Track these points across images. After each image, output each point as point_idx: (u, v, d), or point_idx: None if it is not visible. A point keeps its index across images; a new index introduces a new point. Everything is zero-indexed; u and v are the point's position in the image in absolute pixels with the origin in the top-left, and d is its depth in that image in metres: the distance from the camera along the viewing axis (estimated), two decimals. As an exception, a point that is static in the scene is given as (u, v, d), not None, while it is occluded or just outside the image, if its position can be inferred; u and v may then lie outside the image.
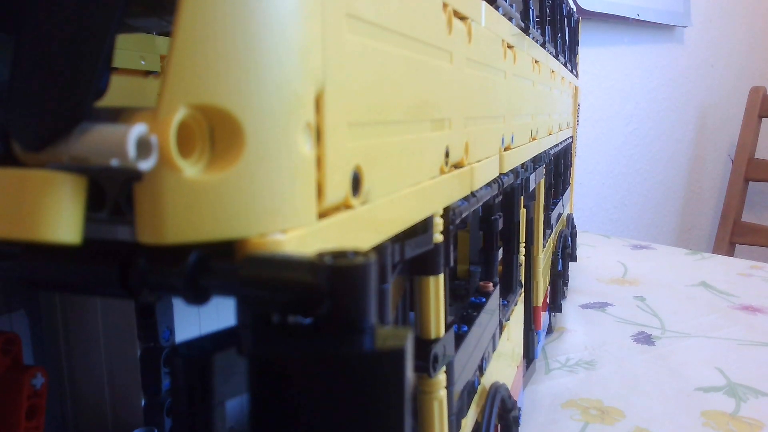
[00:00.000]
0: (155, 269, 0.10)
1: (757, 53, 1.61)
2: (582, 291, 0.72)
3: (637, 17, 1.24)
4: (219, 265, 0.10)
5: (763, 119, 1.38)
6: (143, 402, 0.24)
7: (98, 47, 0.10)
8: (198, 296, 0.10)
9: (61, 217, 0.10)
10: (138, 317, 0.24)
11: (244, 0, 0.10)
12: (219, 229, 0.10)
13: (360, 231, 0.14)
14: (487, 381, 0.28)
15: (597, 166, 1.28)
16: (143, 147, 0.09)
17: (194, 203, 0.10)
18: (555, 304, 0.57)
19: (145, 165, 0.09)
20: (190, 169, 0.10)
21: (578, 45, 0.83)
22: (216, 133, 0.10)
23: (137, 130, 0.09)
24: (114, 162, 0.09)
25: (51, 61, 0.10)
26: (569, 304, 0.66)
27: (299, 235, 0.11)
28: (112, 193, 0.10)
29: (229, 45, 0.10)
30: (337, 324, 0.09)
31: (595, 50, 1.20)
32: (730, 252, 1.33)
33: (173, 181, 0.10)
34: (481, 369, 0.27)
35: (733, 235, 1.35)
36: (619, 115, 1.32)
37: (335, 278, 0.09)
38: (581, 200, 1.20)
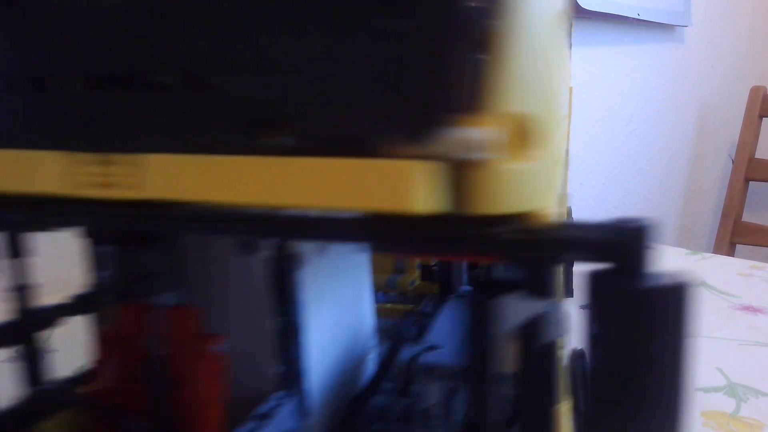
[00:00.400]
0: (487, 233, 0.14)
1: (757, 53, 1.61)
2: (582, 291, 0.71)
3: (638, 17, 1.24)
4: (538, 229, 0.14)
5: (764, 119, 1.38)
6: (279, 370, 0.29)
7: (455, 65, 0.14)
8: (521, 256, 0.14)
9: (426, 194, 0.14)
10: (274, 293, 0.28)
11: (543, 37, 0.15)
12: (523, 203, 0.14)
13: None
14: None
15: (597, 166, 1.28)
16: (484, 143, 0.14)
17: (511, 184, 0.14)
18: (568, 289, 0.58)
19: (485, 156, 0.14)
20: (510, 159, 0.14)
21: (571, 47, 0.84)
22: (526, 133, 0.14)
23: (482, 132, 0.14)
24: (465, 155, 0.14)
25: (436, 71, 0.14)
26: (569, 304, 0.66)
27: (558, 210, 0.16)
28: (451, 176, 0.14)
29: (538, 71, 0.15)
30: (629, 270, 0.14)
31: (595, 50, 1.20)
32: (730, 252, 1.33)
33: (500, 168, 0.14)
34: None
35: (734, 235, 1.35)
36: (619, 115, 1.32)
37: (624, 236, 0.14)
38: (581, 200, 1.19)
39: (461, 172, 0.14)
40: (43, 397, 0.25)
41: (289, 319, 0.28)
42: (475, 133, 0.14)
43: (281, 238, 0.28)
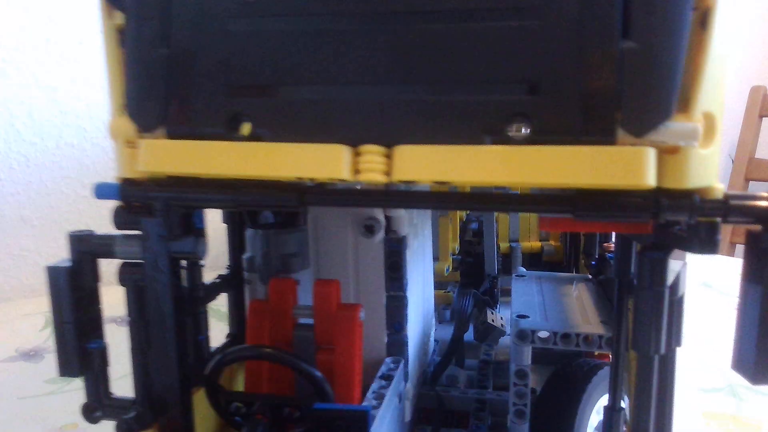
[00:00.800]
0: (681, 202, 0.19)
1: (757, 53, 1.61)
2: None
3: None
4: (715, 199, 0.20)
5: (764, 119, 1.37)
6: (388, 338, 0.34)
7: (677, 74, 0.19)
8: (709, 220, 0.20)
9: (651, 173, 0.19)
10: (387, 271, 0.33)
11: (722, 48, 0.19)
12: (704, 179, 0.19)
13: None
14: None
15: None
16: (689, 134, 0.19)
17: (699, 165, 0.19)
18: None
19: (691, 143, 0.19)
20: (701, 146, 0.19)
21: None
22: (711, 126, 0.19)
23: (691, 126, 0.19)
24: (682, 142, 0.19)
25: (652, 82, 0.19)
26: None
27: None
28: (661, 158, 0.19)
29: (718, 77, 0.19)
30: None
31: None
32: (730, 252, 1.33)
33: (694, 153, 0.19)
34: None
35: (734, 235, 1.35)
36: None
37: None
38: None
39: (668, 156, 0.19)
40: (223, 354, 0.29)
41: (398, 294, 0.33)
42: (684, 127, 0.19)
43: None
